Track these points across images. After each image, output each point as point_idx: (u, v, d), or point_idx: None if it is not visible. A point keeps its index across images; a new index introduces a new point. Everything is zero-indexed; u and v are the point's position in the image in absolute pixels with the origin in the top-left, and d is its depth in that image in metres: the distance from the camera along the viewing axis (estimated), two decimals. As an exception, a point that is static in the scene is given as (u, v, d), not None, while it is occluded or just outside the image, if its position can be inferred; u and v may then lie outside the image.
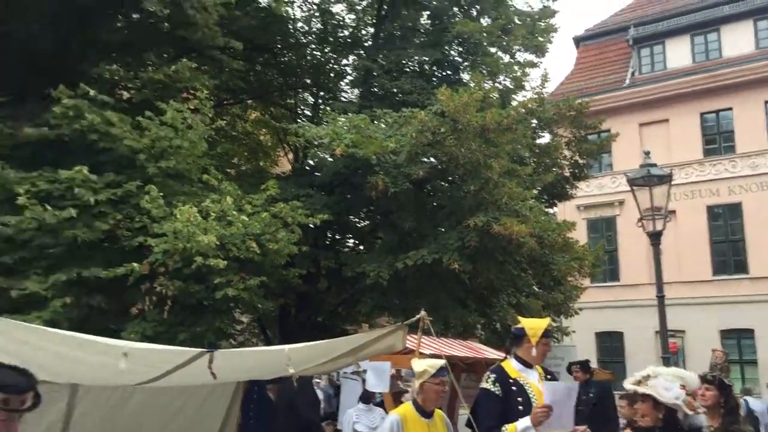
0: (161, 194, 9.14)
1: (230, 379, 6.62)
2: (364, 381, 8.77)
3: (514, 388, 4.92)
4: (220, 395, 7.19)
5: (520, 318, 5.43)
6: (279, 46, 15.00)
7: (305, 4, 15.88)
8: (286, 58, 15.18)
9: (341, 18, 16.10)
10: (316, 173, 14.26)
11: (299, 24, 15.70)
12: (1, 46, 10.74)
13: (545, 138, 15.34)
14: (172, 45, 12.10)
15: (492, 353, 10.28)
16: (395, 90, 14.32)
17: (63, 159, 9.41)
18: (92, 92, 9.49)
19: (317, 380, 11.50)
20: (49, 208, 8.57)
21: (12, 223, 8.45)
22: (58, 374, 5.50)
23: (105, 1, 11.06)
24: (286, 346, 6.04)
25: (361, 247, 14.88)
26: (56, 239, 8.81)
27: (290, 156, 16.28)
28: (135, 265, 8.69)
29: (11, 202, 8.81)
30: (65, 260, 8.83)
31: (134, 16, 11.98)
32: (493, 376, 4.98)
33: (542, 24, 15.76)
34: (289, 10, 15.37)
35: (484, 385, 5.01)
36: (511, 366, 5.07)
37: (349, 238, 15.35)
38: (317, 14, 15.81)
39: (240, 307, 10.35)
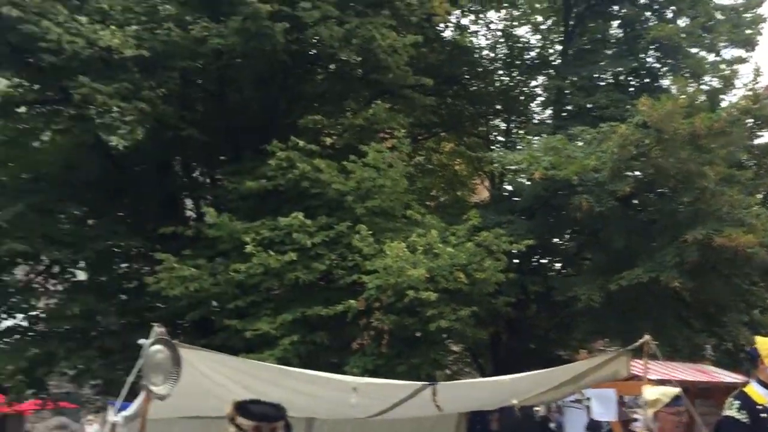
0: (370, 232, 9.54)
1: (454, 410, 6.68)
2: (587, 409, 8.45)
3: (763, 415, 4.47)
4: (444, 426, 7.27)
5: (756, 337, 4.96)
6: (467, 76, 15.20)
7: (489, 32, 15.98)
8: (474, 87, 15.33)
9: (526, 40, 16.00)
10: (515, 198, 14.14)
11: (485, 52, 15.84)
12: (219, 112, 11.96)
13: (766, 137, 13.98)
14: (367, 89, 12.71)
15: (729, 377, 9.44)
16: (590, 106, 13.87)
17: (281, 207, 10.18)
18: (301, 143, 10.20)
19: (537, 409, 11.24)
20: (272, 253, 9.30)
21: (242, 269, 9.27)
22: (297, 409, 5.85)
23: (304, 57, 11.91)
24: (508, 377, 6.01)
25: (569, 270, 14.45)
26: (280, 282, 9.52)
27: (487, 183, 16.30)
28: (351, 302, 9.13)
29: (239, 251, 9.69)
30: (289, 301, 9.52)
31: (330, 67, 12.78)
32: (737, 402, 4.57)
33: (748, 15, 14.50)
34: (474, 39, 15.58)
35: (728, 412, 4.62)
36: (755, 391, 4.63)
37: (556, 262, 14.98)
38: (502, 40, 15.84)
39: (452, 337, 10.46)
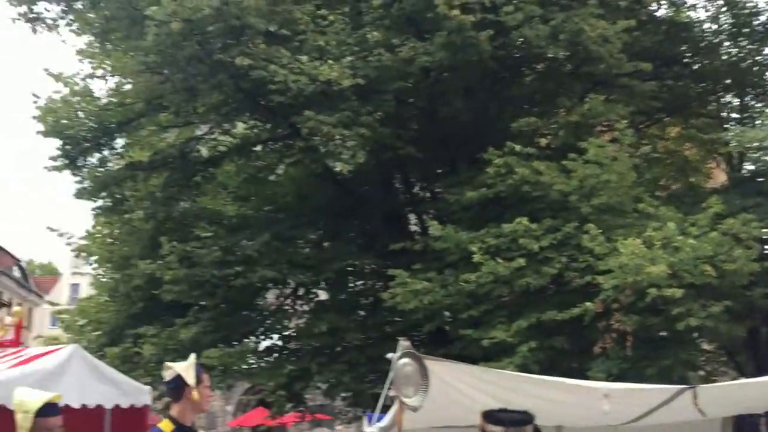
0: (600, 231, 9.16)
1: (718, 414, 6.15)
2: None
3: None
4: (706, 432, 6.71)
5: None
6: (688, 54, 14.08)
7: (709, 3, 14.68)
8: (698, 65, 14.15)
9: (754, 5, 14.44)
10: (760, 179, 12.77)
11: (706, 25, 14.56)
12: (432, 126, 12.22)
13: None
14: (579, 83, 12.27)
15: None
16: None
17: (503, 214, 10.14)
18: (517, 147, 10.08)
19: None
20: (500, 260, 9.27)
21: (472, 279, 9.34)
22: (544, 417, 5.74)
23: (511, 60, 11.79)
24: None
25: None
26: (511, 289, 9.45)
27: (723, 166, 14.91)
28: (588, 304, 8.81)
29: (466, 261, 9.78)
30: (522, 307, 9.41)
31: (538, 66, 12.52)
32: None
33: None
34: (692, 14, 14.42)
35: None
36: None
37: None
38: (725, 9, 14.46)
39: (704, 335, 9.67)
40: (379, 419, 5.66)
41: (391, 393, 5.37)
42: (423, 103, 12.27)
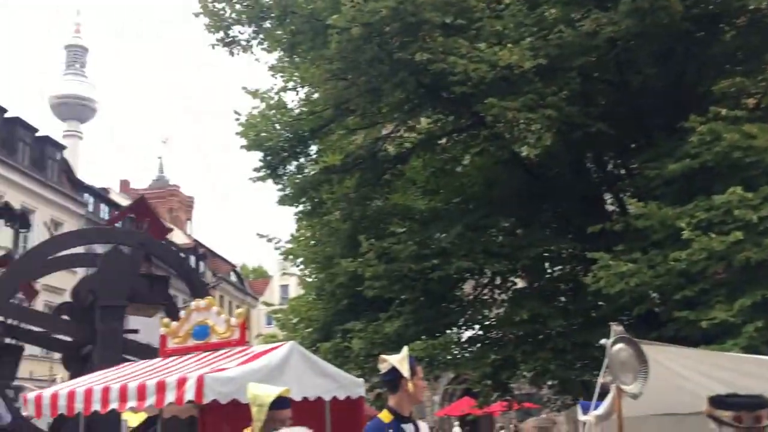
0: (832, 194, 8.16)
1: None
2: None
3: None
4: None
5: None
6: None
7: None
8: None
9: None
10: None
11: None
12: (621, 99, 11.57)
13: None
14: (792, 33, 11.02)
15: None
16: None
17: (711, 184, 9.35)
18: (723, 111, 9.26)
19: None
20: (713, 235, 8.56)
21: (682, 257, 8.71)
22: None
23: (706, 18, 10.85)
24: None
25: None
26: (728, 265, 8.70)
27: None
28: (830, 277, 7.89)
29: (674, 238, 9.13)
30: (744, 284, 8.63)
31: (738, 21, 11.41)
32: None
33: None
34: None
35: None
36: None
37: None
38: None
39: None
40: (596, 407, 5.46)
41: (606, 380, 5.17)
42: (610, 76, 11.68)
